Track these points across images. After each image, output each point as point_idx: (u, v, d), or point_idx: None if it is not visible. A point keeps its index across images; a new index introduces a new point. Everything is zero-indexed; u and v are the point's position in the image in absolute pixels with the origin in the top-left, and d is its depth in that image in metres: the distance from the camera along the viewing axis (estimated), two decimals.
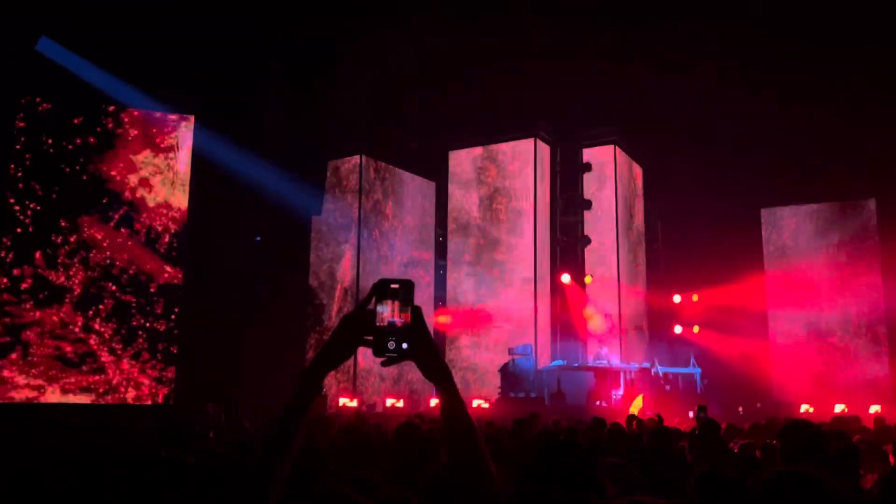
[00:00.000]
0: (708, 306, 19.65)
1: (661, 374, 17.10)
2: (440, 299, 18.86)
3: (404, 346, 1.67)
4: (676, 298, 20.51)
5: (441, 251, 19.08)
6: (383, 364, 1.72)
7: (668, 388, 16.91)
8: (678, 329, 20.24)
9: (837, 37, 14.90)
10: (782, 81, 16.08)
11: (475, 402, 15.17)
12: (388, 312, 1.68)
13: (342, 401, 14.69)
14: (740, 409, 16.16)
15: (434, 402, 15.81)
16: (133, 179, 15.02)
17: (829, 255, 19.12)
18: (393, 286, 1.69)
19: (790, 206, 19.79)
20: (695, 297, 20.35)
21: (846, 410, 14.23)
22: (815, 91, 16.09)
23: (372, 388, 16.43)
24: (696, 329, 20.09)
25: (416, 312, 1.69)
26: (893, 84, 15.01)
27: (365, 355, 1.78)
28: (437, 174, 19.10)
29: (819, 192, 19.05)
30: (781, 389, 18.85)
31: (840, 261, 18.99)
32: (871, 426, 8.38)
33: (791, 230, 19.82)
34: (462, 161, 18.85)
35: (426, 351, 1.71)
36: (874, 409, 14.49)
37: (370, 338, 1.68)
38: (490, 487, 1.66)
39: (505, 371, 16.31)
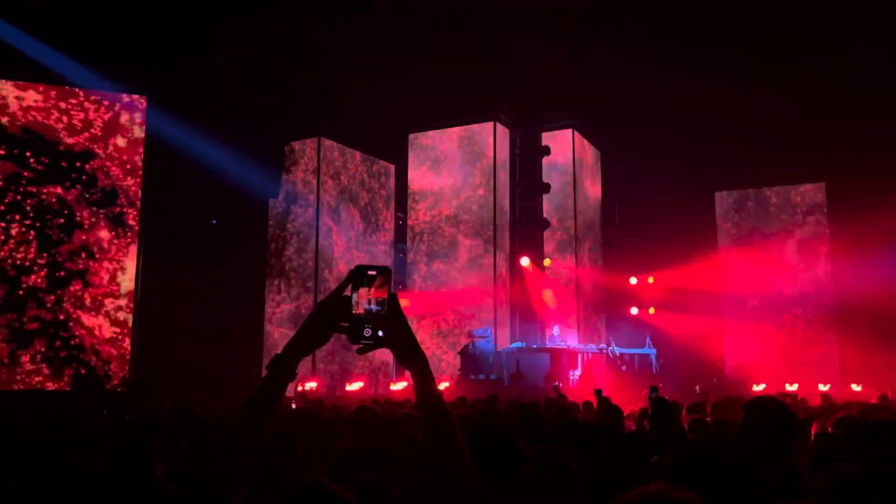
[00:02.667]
0: (663, 287, 19.99)
1: (617, 354, 17.35)
2: (399, 282, 18.82)
3: (380, 333, 1.66)
4: (632, 280, 20.78)
5: (400, 234, 19.03)
6: (359, 351, 1.70)
7: (624, 368, 17.18)
8: (634, 311, 20.54)
9: (788, 23, 15.20)
10: (736, 67, 16.35)
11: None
12: (364, 299, 1.66)
13: (308, 385, 14.61)
14: (697, 387, 16.49)
15: (394, 386, 15.86)
16: (85, 160, 14.66)
17: (781, 238, 19.58)
18: (370, 273, 1.67)
19: (743, 189, 20.16)
20: (650, 280, 20.65)
21: (796, 389, 14.65)
22: (767, 76, 16.42)
23: (332, 370, 16.36)
24: (651, 311, 20.41)
25: (393, 299, 1.68)
26: (842, 68, 15.36)
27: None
28: (397, 156, 19.00)
29: (771, 176, 19.45)
30: (735, 369, 19.31)
31: (791, 243, 19.46)
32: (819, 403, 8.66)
33: (744, 213, 20.21)
34: (421, 143, 18.79)
35: (402, 338, 1.70)
36: (824, 387, 14.96)
37: (346, 324, 1.67)
38: (467, 473, 1.67)
39: (465, 353, 16.39)
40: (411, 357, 1.71)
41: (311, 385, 14.38)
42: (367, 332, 1.66)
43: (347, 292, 1.67)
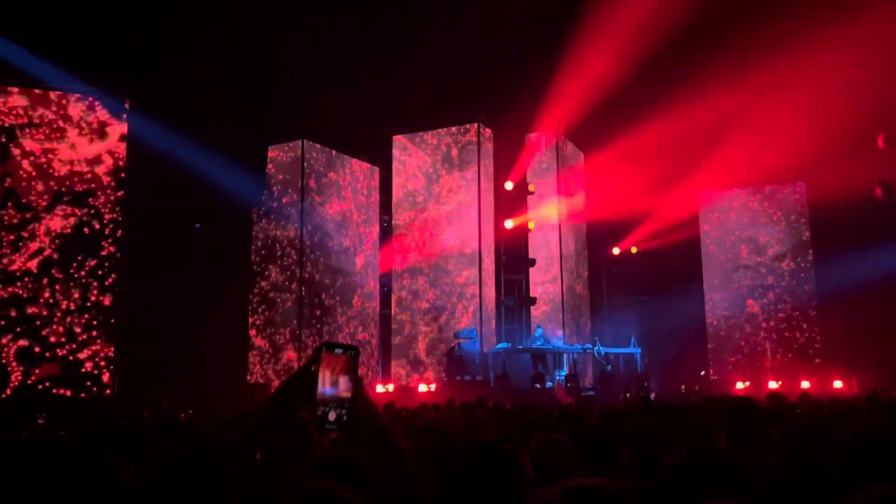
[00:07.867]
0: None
1: (602, 353, 17.41)
2: (385, 284, 18.81)
3: (344, 417, 1.63)
4: (615, 251, 21.14)
5: (386, 236, 19.00)
6: (321, 433, 1.68)
7: (609, 367, 17.24)
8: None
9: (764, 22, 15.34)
10: (716, 67, 16.47)
11: (421, 388, 15.24)
12: (329, 380, 1.64)
13: None
14: (683, 387, 16.59)
15: (381, 388, 15.87)
16: (67, 165, 14.57)
17: (763, 236, 19.68)
18: (337, 351, 1.66)
19: (725, 189, 20.22)
20: (633, 250, 20.94)
21: (779, 387, 14.77)
22: (748, 76, 16.55)
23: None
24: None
25: (358, 383, 1.66)
26: (818, 68, 15.48)
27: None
28: (381, 159, 18.98)
29: (753, 176, 19.54)
30: (718, 367, 19.45)
31: (773, 241, 19.57)
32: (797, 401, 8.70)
33: (726, 212, 20.28)
34: (406, 146, 18.77)
35: (368, 425, 1.69)
36: (805, 385, 15.12)
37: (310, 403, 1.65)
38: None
39: (451, 354, 16.39)
40: (376, 445, 1.69)
41: None
42: (332, 416, 1.63)
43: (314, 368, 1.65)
